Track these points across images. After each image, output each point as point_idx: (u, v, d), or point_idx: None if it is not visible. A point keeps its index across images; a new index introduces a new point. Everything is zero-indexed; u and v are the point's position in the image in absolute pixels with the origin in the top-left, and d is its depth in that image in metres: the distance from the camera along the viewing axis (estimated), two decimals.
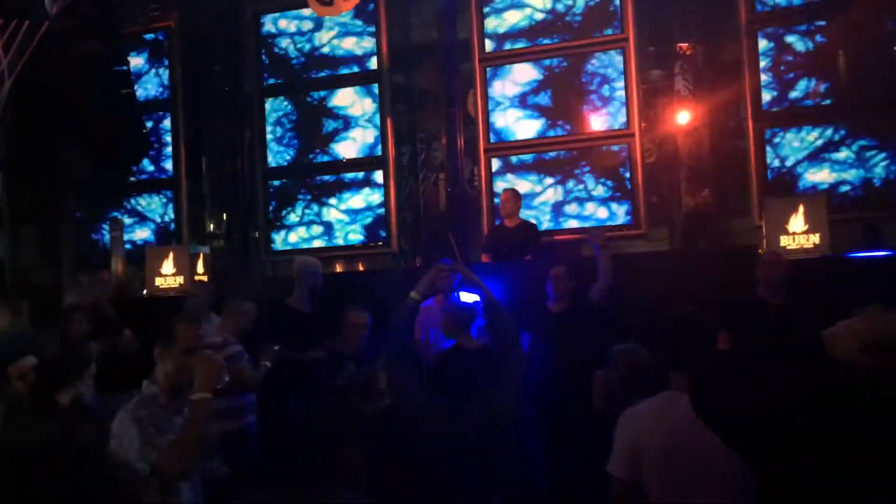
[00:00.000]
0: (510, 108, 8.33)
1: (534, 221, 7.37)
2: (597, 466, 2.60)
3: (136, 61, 9.46)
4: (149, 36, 9.56)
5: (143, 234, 9.62)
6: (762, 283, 4.66)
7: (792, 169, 7.46)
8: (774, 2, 7.57)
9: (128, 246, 8.88)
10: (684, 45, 7.97)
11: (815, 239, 5.51)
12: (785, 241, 5.54)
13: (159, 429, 2.71)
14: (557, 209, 8.09)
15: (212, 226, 9.49)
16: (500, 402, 3.22)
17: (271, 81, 9.31)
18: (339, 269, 8.70)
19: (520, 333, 3.46)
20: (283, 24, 9.24)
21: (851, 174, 7.26)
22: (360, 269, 8.71)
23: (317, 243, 9.03)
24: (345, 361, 4.56)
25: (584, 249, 5.17)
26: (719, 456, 2.29)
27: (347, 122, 9.00)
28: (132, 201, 9.71)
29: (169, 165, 9.52)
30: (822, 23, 7.31)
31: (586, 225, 7.92)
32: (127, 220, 9.49)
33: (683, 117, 7.72)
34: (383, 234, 8.77)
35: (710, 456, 2.34)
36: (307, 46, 9.13)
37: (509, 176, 8.29)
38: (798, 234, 5.53)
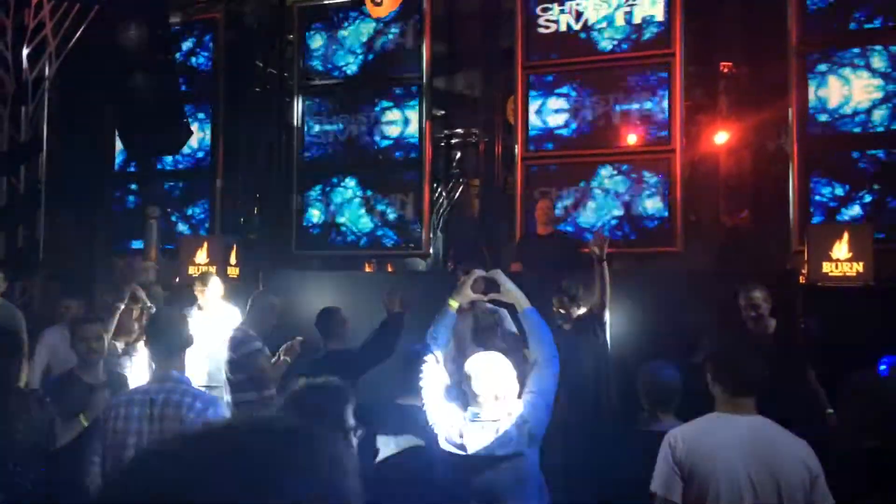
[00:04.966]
0: (550, 115, 8.20)
1: (567, 232, 7.33)
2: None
3: (182, 50, 9.52)
4: (195, 27, 9.63)
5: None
6: (747, 322, 4.56)
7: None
8: (826, 24, 7.40)
9: None
10: (728, 63, 7.89)
11: (858, 267, 5.41)
12: (827, 267, 5.45)
13: None
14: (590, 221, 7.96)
15: (242, 220, 9.54)
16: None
17: (315, 81, 9.30)
18: (368, 269, 8.68)
19: (553, 345, 3.42)
20: (328, 21, 9.24)
21: None
22: (390, 270, 8.69)
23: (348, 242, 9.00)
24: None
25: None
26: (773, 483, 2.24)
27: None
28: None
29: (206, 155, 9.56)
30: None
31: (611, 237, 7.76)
32: None
33: (725, 137, 7.62)
34: (416, 236, 8.70)
35: (761, 482, 2.29)
36: (351, 45, 9.11)
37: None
38: (841, 261, 5.43)
